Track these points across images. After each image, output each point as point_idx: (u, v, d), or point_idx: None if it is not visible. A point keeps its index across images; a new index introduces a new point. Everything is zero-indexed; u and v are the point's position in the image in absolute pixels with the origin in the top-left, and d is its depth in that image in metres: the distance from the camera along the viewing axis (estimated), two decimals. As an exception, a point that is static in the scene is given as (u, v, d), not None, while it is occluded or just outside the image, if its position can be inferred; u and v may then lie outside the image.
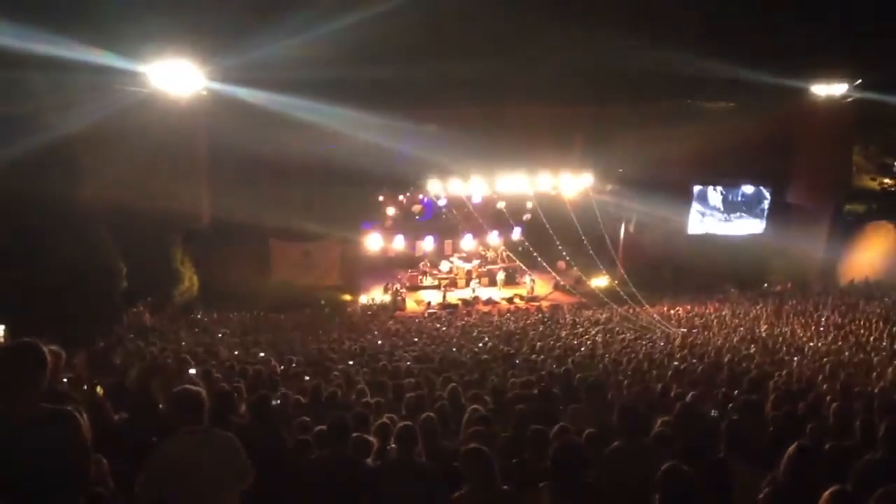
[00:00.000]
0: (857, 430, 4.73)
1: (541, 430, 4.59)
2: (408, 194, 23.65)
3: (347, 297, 23.19)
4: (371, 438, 4.60)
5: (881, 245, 24.06)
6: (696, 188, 25.78)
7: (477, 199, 23.85)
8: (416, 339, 14.78)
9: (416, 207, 25.29)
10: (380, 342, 14.43)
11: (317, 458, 4.39)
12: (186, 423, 3.40)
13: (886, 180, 24.62)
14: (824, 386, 7.89)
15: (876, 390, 7.49)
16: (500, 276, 25.33)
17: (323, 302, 22.55)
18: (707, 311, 18.93)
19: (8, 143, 12.04)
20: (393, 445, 4.36)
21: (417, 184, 22.52)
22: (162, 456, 3.33)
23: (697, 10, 19.15)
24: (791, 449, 3.28)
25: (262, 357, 11.31)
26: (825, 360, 10.44)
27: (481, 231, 26.28)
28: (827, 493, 2.87)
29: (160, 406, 5.27)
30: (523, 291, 24.14)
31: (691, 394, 6.64)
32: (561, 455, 3.40)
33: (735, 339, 13.49)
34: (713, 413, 6.16)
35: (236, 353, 12.24)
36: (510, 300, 23.45)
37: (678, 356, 11.15)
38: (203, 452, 3.31)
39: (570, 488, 3.35)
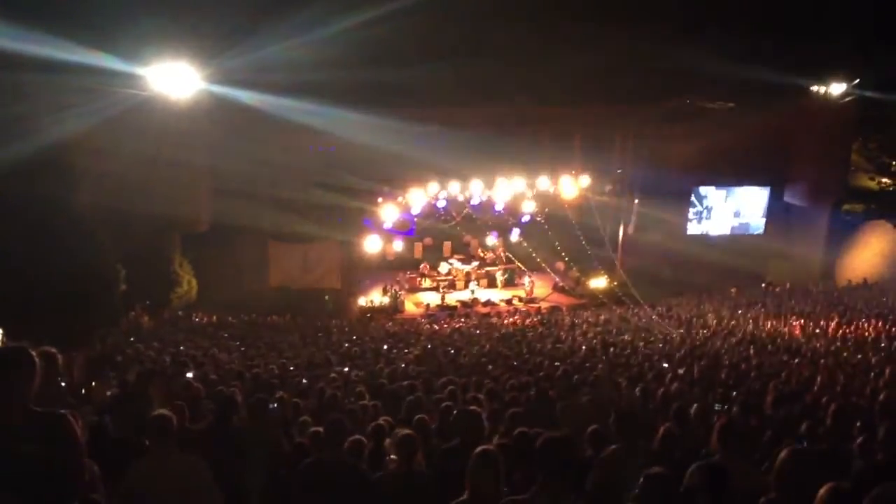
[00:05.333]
0: (855, 432, 4.71)
1: (529, 434, 4.35)
2: (407, 196, 23.59)
3: (346, 299, 23.18)
4: (365, 441, 4.57)
5: (879, 245, 24.03)
6: (695, 188, 25.77)
7: (476, 201, 23.83)
8: (413, 342, 14.74)
9: (415, 209, 25.24)
10: (378, 344, 14.38)
11: (313, 462, 4.36)
12: (155, 445, 3.66)
13: (885, 180, 24.55)
14: (823, 387, 7.87)
15: (874, 391, 7.47)
16: (499, 277, 25.31)
17: (327, 297, 22.60)
18: (706, 311, 18.90)
19: (5, 146, 12.00)
20: (393, 456, 4.31)
21: (417, 185, 22.52)
22: (131, 478, 3.53)
23: (697, 9, 19.17)
24: (783, 454, 3.22)
25: (260, 360, 11.27)
26: (823, 360, 10.43)
27: (480, 232, 26.28)
28: (823, 490, 2.83)
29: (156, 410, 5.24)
30: (522, 293, 24.09)
31: (689, 396, 6.62)
32: (554, 457, 3.31)
33: (734, 340, 13.47)
34: (715, 408, 6.15)
35: (234, 356, 12.20)
36: (509, 302, 23.42)
37: (677, 357, 11.14)
38: (168, 475, 3.47)
39: (564, 491, 3.30)
